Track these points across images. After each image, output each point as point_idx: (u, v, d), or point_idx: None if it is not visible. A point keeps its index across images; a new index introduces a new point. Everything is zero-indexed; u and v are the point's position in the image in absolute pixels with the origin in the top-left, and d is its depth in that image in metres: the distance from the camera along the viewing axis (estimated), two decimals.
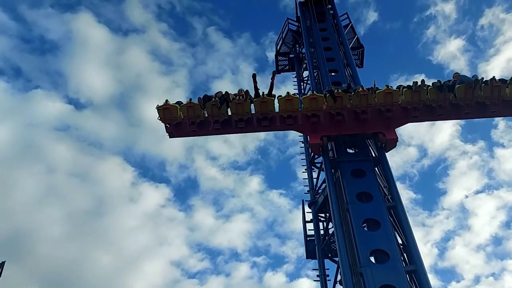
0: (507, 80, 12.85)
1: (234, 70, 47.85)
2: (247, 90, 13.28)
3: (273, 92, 13.53)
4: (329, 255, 13.95)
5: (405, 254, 11.38)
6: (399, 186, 12.99)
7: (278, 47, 23.93)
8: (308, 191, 15.88)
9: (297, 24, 23.30)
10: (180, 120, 13.43)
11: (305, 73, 20.53)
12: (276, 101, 13.37)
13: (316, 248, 14.17)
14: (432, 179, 42.33)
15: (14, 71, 43.66)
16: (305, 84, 20.66)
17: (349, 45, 20.61)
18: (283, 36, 23.67)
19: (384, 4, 45.64)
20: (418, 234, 9.38)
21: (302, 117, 13.48)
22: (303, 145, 17.47)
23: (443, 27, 44.48)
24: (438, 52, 44.88)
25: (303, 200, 15.55)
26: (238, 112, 13.22)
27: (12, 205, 34.27)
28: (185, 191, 44.96)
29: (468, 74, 13.90)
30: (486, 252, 39.09)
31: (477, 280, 37.79)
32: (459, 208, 40.73)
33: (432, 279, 11.31)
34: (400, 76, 46.17)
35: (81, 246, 35.96)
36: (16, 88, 42.91)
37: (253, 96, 13.40)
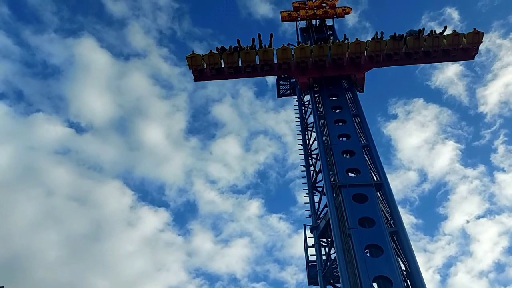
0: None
1: (233, 94, 47.74)
2: (253, 38, 17.73)
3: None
4: (331, 281, 13.81)
5: (408, 281, 11.38)
6: (400, 210, 13.09)
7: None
8: (309, 215, 15.41)
9: None
10: (203, 68, 17.91)
11: (306, 97, 20.14)
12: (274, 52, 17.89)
13: (318, 274, 13.84)
14: (432, 203, 42.58)
15: (16, 94, 44.25)
16: (306, 108, 20.15)
17: None
18: None
19: (382, 28, 47.17)
20: (419, 260, 10.61)
21: (294, 64, 18.09)
22: (304, 168, 17.29)
23: None
24: (436, 77, 44.67)
25: (304, 225, 15.32)
26: (246, 60, 17.74)
27: (10, 229, 34.71)
28: (184, 215, 44.45)
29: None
30: (489, 278, 38.58)
31: None
32: (461, 233, 40.42)
33: None
34: (398, 100, 46.64)
35: (78, 271, 35.86)
36: (17, 112, 43.15)
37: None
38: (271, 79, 24.84)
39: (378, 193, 13.52)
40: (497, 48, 43.42)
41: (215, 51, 17.74)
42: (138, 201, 42.30)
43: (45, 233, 37.20)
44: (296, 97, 21.79)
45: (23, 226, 36.38)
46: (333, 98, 17.71)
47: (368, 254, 11.57)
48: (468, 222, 40.43)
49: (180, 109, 47.73)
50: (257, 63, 18.03)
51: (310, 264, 14.59)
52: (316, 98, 18.41)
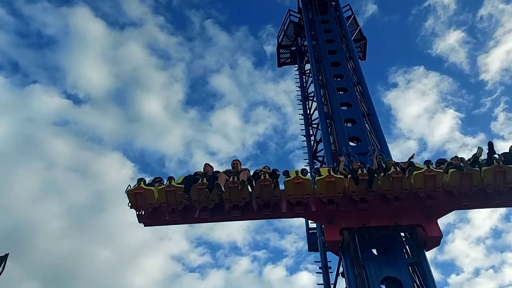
0: None
1: (232, 64, 46.86)
2: (244, 171, 10.22)
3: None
4: None
5: (407, 247, 10.65)
6: None
7: (279, 40, 23.20)
8: None
9: (299, 16, 22.66)
10: (158, 205, 10.33)
11: (307, 66, 20.18)
12: (282, 181, 10.25)
13: (318, 241, 14.03)
14: None
15: (12, 66, 42.83)
16: (307, 77, 20.21)
17: (351, 37, 20.21)
18: (285, 29, 22.95)
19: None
20: None
21: (316, 202, 10.34)
22: (304, 138, 17.51)
23: (442, 18, 44.20)
24: (437, 44, 44.53)
25: None
26: (232, 198, 10.12)
27: (11, 201, 33.66)
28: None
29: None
30: (486, 245, 38.82)
31: (477, 272, 37.57)
32: None
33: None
34: (399, 69, 46.36)
35: (80, 241, 35.36)
36: (14, 83, 42.11)
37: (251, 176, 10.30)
38: (270, 49, 26.24)
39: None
40: (500, 13, 41.32)
41: (175, 183, 10.13)
42: (138, 173, 41.86)
43: (46, 204, 36.46)
44: (296, 65, 22.01)
45: (25, 197, 35.34)
46: (335, 67, 17.03)
47: None
48: None
49: (178, 80, 46.35)
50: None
51: (310, 231, 15.31)
52: (317, 67, 17.75)
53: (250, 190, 10.34)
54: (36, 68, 43.80)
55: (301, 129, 18.07)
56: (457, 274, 37.94)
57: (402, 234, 10.73)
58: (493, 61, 45.76)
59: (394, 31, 46.12)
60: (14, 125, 38.96)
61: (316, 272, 13.87)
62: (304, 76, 20.68)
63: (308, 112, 18.76)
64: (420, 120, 43.19)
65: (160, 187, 10.12)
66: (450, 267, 38.11)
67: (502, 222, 39.69)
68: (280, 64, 23.50)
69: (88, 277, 33.56)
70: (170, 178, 10.31)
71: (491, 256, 39.00)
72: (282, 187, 10.22)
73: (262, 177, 9.94)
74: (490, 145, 9.87)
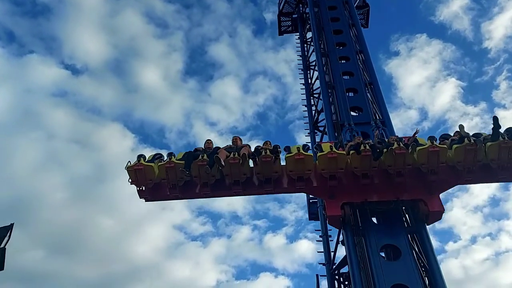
0: None
1: (231, 33, 45.85)
2: (245, 146, 10.08)
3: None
4: None
5: (406, 215, 10.69)
6: None
7: (280, 7, 22.57)
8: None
9: None
10: (158, 181, 10.27)
11: (309, 34, 19.71)
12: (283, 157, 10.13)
13: (319, 209, 14.08)
14: None
15: (7, 35, 41.98)
16: (308, 46, 19.81)
17: (354, 4, 19.88)
18: None
19: None
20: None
21: (318, 178, 10.27)
22: (305, 108, 17.29)
23: None
24: (441, 11, 44.00)
25: None
26: (233, 174, 10.04)
27: (14, 172, 33.71)
28: None
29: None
30: (484, 213, 39.53)
31: (473, 240, 38.65)
32: None
33: None
34: (401, 36, 45.90)
35: (84, 211, 35.64)
36: (11, 53, 41.39)
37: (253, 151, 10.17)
38: (270, 16, 25.05)
39: None
40: None
41: (175, 159, 10.03)
42: (139, 143, 41.87)
43: (48, 175, 36.45)
44: (298, 34, 21.43)
45: (27, 168, 35.25)
46: (337, 35, 16.73)
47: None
48: None
49: (176, 49, 46.24)
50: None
51: (310, 201, 15.41)
52: (319, 35, 17.46)
53: (251, 166, 10.24)
54: (32, 37, 43.09)
55: (302, 99, 17.92)
56: (455, 242, 38.80)
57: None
58: (497, 28, 45.42)
59: None
60: (13, 96, 38.82)
61: (316, 241, 14.09)
62: (305, 45, 20.30)
63: (309, 81, 18.48)
64: (421, 89, 42.78)
65: (160, 163, 10.02)
66: (448, 235, 38.80)
67: (500, 190, 40.34)
68: (281, 33, 23.00)
69: (92, 245, 34.46)
70: (170, 154, 10.21)
71: (488, 224, 39.55)
72: (283, 163, 10.11)
73: (263, 153, 9.81)
74: (495, 119, 9.67)
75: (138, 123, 43.09)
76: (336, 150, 9.86)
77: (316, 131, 16.57)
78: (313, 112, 17.23)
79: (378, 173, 10.10)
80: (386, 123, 13.24)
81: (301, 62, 19.50)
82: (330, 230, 13.73)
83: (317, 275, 12.89)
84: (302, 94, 18.24)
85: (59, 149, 38.07)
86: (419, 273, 9.51)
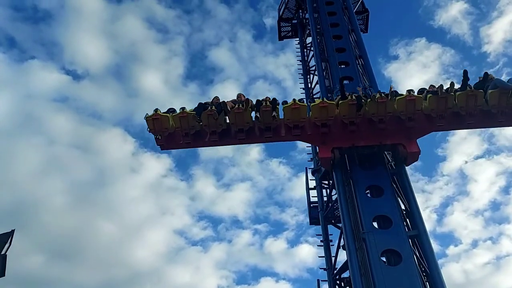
0: None
1: (231, 38, 46.54)
2: (247, 99, 11.65)
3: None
4: (332, 221, 14.14)
5: (407, 220, 11.29)
6: None
7: (280, 13, 22.92)
8: (311, 158, 15.84)
9: None
10: (173, 131, 11.84)
11: (309, 40, 19.81)
12: (281, 108, 11.68)
13: (320, 214, 14.41)
14: (431, 145, 40.91)
15: (9, 41, 42.49)
16: (308, 51, 20.12)
17: (354, 9, 19.96)
18: (286, 1, 22.62)
19: None
20: (417, 200, 9.82)
21: (311, 126, 11.85)
22: None
23: None
24: (440, 16, 43.99)
25: (306, 168, 15.75)
26: (238, 122, 11.61)
27: (15, 176, 34.15)
28: (185, 161, 45.05)
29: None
30: (485, 217, 39.47)
31: (475, 244, 38.40)
32: (459, 174, 40.91)
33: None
34: (400, 40, 45.65)
35: (84, 216, 36.30)
36: (12, 59, 41.78)
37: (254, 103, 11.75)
38: (270, 21, 24.15)
39: None
40: None
41: (190, 109, 11.62)
42: (140, 148, 42.76)
43: (49, 180, 36.98)
44: (297, 39, 21.49)
45: (27, 173, 35.69)
46: (337, 40, 16.76)
47: (369, 195, 11.58)
48: (466, 162, 40.35)
49: (177, 54, 46.28)
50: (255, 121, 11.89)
51: (311, 205, 15.28)
52: (318, 40, 17.65)
53: (254, 119, 11.77)
54: (33, 43, 43.35)
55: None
56: (456, 246, 38.76)
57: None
58: (496, 32, 45.18)
59: (395, 2, 45.29)
60: (14, 101, 39.01)
61: (317, 245, 14.30)
62: (305, 50, 20.42)
63: (309, 86, 18.64)
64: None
65: (175, 114, 11.58)
66: (449, 239, 39.20)
67: (501, 194, 40.52)
68: (281, 38, 23.15)
69: (93, 250, 34.72)
70: (183, 108, 11.75)
71: (489, 228, 39.62)
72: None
73: (263, 103, 11.37)
74: (465, 72, 11.23)
75: (138, 127, 43.36)
76: (327, 101, 11.43)
77: None
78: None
79: (363, 121, 11.66)
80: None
81: (301, 66, 19.71)
82: (331, 234, 14.02)
83: (318, 280, 13.25)
84: (301, 93, 18.52)
85: (59, 154, 38.43)
86: (421, 278, 10.17)
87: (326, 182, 14.82)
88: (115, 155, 41.32)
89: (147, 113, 11.62)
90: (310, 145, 15.56)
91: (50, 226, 34.79)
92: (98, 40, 43.67)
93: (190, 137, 11.90)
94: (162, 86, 44.77)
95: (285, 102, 11.74)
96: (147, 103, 43.86)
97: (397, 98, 11.23)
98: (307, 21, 21.16)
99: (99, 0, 43.75)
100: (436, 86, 11.53)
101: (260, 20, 45.36)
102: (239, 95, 12.19)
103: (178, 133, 11.91)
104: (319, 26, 18.43)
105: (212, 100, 12.06)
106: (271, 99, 11.78)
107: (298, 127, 11.70)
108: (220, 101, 11.95)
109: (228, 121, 11.78)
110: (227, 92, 45.63)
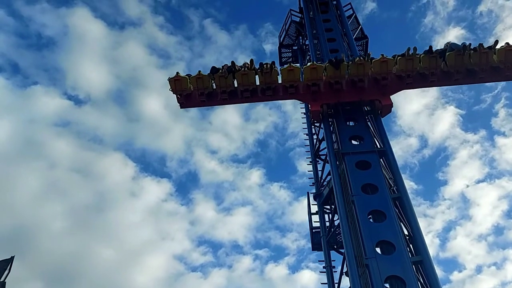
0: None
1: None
2: (251, 59, 14.33)
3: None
4: (335, 246, 14.06)
5: (411, 245, 11.54)
6: None
7: (281, 39, 23.73)
8: (313, 183, 15.65)
9: (300, 15, 23.23)
10: (190, 92, 14.46)
11: None
12: (279, 71, 14.33)
13: (322, 240, 14.24)
14: (432, 169, 41.60)
15: (12, 67, 43.47)
16: None
17: (353, 35, 20.57)
18: (286, 28, 23.45)
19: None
20: (420, 225, 11.70)
21: (303, 87, 14.55)
22: (306, 136, 17.39)
23: (441, 14, 43.30)
24: (437, 41, 45.49)
25: (308, 193, 15.71)
26: (244, 83, 14.26)
27: (14, 201, 34.36)
28: (186, 185, 44.15)
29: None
30: (488, 242, 38.65)
31: (479, 269, 37.36)
32: (460, 198, 39.94)
33: None
34: None
35: (84, 241, 35.95)
36: (15, 85, 42.52)
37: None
38: (269, 47, 24.67)
39: (381, 160, 13.45)
40: (500, 9, 41.31)
41: (204, 73, 14.26)
42: (140, 172, 42.82)
43: (49, 204, 37.12)
44: (298, 64, 20.59)
45: (27, 198, 36.09)
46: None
47: (371, 220, 11.74)
48: (468, 186, 39.99)
49: None
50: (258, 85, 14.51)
51: (313, 230, 15.13)
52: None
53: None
54: (36, 69, 43.68)
55: (303, 128, 17.97)
56: (460, 271, 37.28)
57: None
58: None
59: (393, 28, 45.64)
60: (16, 126, 39.16)
61: (320, 272, 14.13)
62: None
63: (309, 112, 16.71)
64: (420, 117, 42.64)
65: (192, 76, 14.23)
66: (452, 264, 37.97)
67: (504, 219, 39.39)
68: (282, 63, 23.17)
69: (92, 276, 34.38)
70: (199, 72, 14.39)
71: (493, 253, 37.97)
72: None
73: (264, 66, 14.03)
74: (430, 47, 13.97)
75: (139, 152, 43.19)
76: (316, 64, 14.12)
77: (317, 159, 16.46)
78: (315, 140, 17.14)
79: (347, 81, 14.39)
80: (387, 151, 13.59)
81: None
82: (334, 260, 13.89)
83: None
84: (303, 123, 18.29)
85: (60, 178, 38.40)
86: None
87: (328, 207, 14.85)
88: (115, 179, 41.58)
89: (168, 77, 14.25)
90: (311, 168, 16.03)
91: (49, 251, 34.38)
92: (100, 65, 44.59)
93: (205, 96, 14.51)
94: (163, 111, 44.94)
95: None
96: (148, 128, 44.14)
97: (373, 60, 13.91)
98: (307, 47, 21.73)
99: (102, 27, 44.62)
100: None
101: (260, 46, 45.93)
102: (245, 64, 14.83)
103: (195, 93, 14.54)
104: (319, 52, 19.03)
105: (222, 66, 14.70)
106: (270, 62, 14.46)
107: (293, 86, 14.35)
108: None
109: (235, 83, 14.38)
110: (228, 116, 44.94)
